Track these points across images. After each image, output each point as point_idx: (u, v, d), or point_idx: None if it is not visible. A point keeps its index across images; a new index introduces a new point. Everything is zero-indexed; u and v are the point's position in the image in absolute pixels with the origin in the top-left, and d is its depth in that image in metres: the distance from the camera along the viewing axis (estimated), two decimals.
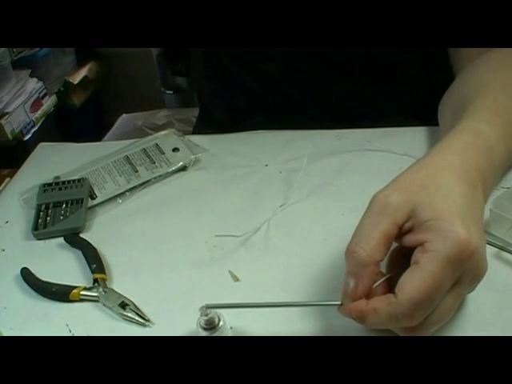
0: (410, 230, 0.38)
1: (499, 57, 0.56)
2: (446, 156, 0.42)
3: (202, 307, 0.40)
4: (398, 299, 0.36)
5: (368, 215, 0.39)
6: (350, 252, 0.38)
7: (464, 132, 0.45)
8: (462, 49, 0.61)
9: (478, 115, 0.48)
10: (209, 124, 0.84)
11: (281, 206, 0.56)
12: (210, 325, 0.41)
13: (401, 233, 0.39)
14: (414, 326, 0.37)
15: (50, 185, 0.62)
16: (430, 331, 0.38)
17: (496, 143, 0.45)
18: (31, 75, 1.46)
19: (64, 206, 0.59)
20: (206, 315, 0.41)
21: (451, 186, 0.39)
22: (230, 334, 0.43)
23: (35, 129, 1.47)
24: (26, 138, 1.43)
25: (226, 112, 0.80)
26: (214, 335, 0.41)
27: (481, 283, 0.42)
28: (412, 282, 0.36)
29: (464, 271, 0.36)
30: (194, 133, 0.85)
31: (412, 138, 0.63)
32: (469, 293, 0.40)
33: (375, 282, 0.38)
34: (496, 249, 0.47)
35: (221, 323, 0.41)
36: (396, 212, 0.38)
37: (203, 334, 0.41)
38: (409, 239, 0.38)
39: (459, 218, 0.37)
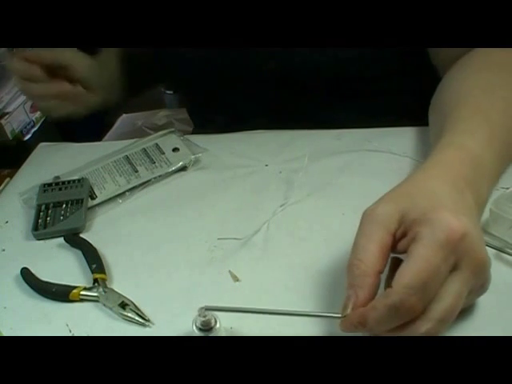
0: (403, 236, 0.39)
1: (481, 58, 0.56)
2: (431, 171, 0.43)
3: (201, 308, 0.40)
4: (393, 289, 0.36)
5: (361, 229, 0.40)
6: (350, 266, 0.39)
7: (449, 148, 0.45)
8: (443, 49, 0.61)
9: (460, 128, 0.48)
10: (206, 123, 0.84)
11: (281, 205, 0.56)
12: (206, 326, 0.41)
13: (395, 241, 0.39)
14: (421, 320, 0.36)
15: (49, 185, 0.62)
16: (442, 325, 0.37)
17: (481, 153, 0.45)
18: None
19: (64, 206, 0.59)
20: (204, 316, 0.40)
21: (437, 190, 0.40)
22: (225, 335, 0.43)
23: (35, 129, 1.47)
24: (26, 138, 1.43)
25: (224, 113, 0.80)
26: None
27: None
28: (405, 270, 0.36)
29: (459, 255, 0.36)
30: (194, 133, 0.85)
31: (412, 137, 0.63)
32: (482, 287, 0.39)
33: (375, 294, 0.38)
34: (496, 249, 0.47)
35: (217, 325, 0.41)
36: (386, 221, 0.39)
37: (197, 334, 0.41)
38: (403, 244, 0.39)
39: (446, 209, 0.37)
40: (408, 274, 0.36)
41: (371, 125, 0.65)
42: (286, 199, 0.57)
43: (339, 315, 0.39)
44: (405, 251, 0.38)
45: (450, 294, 0.36)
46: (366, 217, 0.40)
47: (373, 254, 0.38)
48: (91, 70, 0.70)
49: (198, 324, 0.41)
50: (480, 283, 0.39)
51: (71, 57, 0.68)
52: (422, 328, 0.36)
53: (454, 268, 0.37)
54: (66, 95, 0.68)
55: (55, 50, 0.67)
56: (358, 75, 0.67)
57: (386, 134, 0.64)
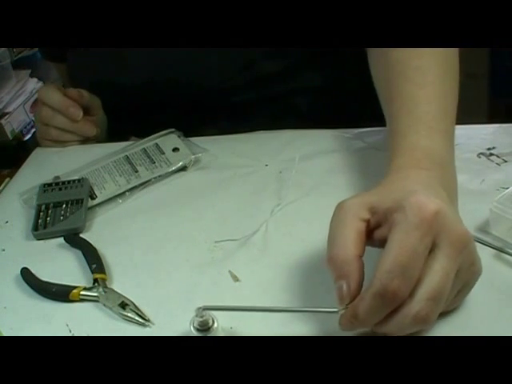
0: (377, 226, 0.40)
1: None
2: (399, 174, 0.44)
3: (199, 308, 0.40)
4: (375, 277, 0.36)
5: (332, 222, 0.41)
6: (329, 260, 0.39)
7: (406, 151, 0.47)
8: None
9: (407, 131, 0.48)
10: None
11: (278, 205, 0.56)
12: (204, 326, 0.41)
13: (370, 229, 0.40)
14: (409, 303, 0.36)
15: (49, 185, 0.62)
16: (433, 306, 0.36)
17: (436, 147, 0.46)
18: (31, 75, 1.46)
19: (64, 206, 0.59)
20: (201, 317, 0.40)
21: (407, 185, 0.41)
22: (223, 335, 0.43)
23: (35, 129, 1.47)
24: (26, 138, 1.43)
25: None
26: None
27: (481, 283, 0.42)
28: (384, 257, 0.36)
29: (436, 233, 0.37)
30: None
31: None
32: (472, 265, 0.39)
33: (363, 278, 0.38)
34: (496, 249, 0.47)
35: (214, 326, 0.41)
36: (356, 209, 0.40)
37: (194, 334, 0.41)
38: (381, 233, 0.39)
39: (417, 194, 0.38)
40: (387, 259, 0.36)
41: (367, 124, 0.66)
42: (285, 199, 0.57)
43: (335, 310, 0.39)
44: (385, 241, 0.38)
45: (435, 271, 0.36)
46: (337, 210, 0.41)
47: (349, 240, 0.39)
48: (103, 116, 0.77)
49: (196, 324, 0.41)
50: (467, 261, 0.38)
51: (97, 100, 0.75)
52: (412, 310, 0.36)
53: (434, 247, 0.37)
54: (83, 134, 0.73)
55: (83, 91, 0.72)
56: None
57: (384, 134, 0.64)
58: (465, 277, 0.39)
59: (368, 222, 0.40)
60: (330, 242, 0.40)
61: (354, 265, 0.38)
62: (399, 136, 0.49)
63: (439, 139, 0.47)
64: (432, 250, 0.37)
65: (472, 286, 0.41)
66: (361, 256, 0.39)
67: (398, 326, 0.37)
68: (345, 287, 0.38)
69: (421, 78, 0.52)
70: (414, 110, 0.49)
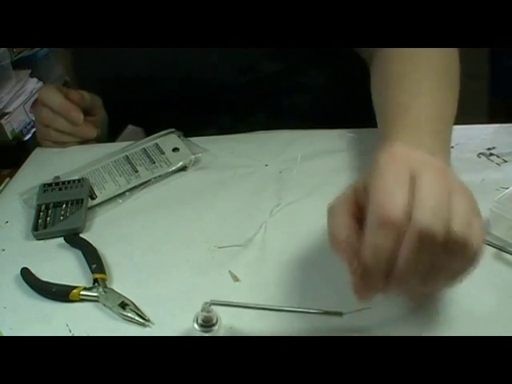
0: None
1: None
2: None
3: (206, 303, 0.41)
4: (367, 219, 0.36)
5: (328, 219, 0.41)
6: (337, 252, 0.39)
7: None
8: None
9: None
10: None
11: (277, 206, 0.56)
12: (208, 323, 0.41)
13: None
14: (409, 227, 0.35)
15: (49, 185, 0.62)
16: (435, 222, 0.35)
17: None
18: (31, 75, 1.46)
19: (64, 206, 0.59)
20: (208, 312, 0.41)
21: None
22: (224, 334, 0.43)
23: (35, 129, 1.47)
24: (26, 138, 1.43)
25: None
26: (207, 335, 0.41)
27: (480, 283, 0.42)
28: (368, 208, 0.37)
29: (410, 165, 0.37)
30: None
31: None
32: (465, 195, 0.38)
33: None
34: (496, 249, 0.47)
35: (217, 325, 0.41)
36: (346, 199, 0.40)
37: (197, 329, 0.41)
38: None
39: (387, 147, 0.39)
40: (373, 194, 0.37)
41: (367, 124, 0.66)
42: (285, 199, 0.57)
43: (340, 312, 0.39)
44: None
45: (424, 193, 0.36)
46: (329, 208, 0.41)
47: (348, 227, 0.39)
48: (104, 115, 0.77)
49: (200, 320, 0.41)
50: (458, 189, 0.38)
51: (99, 100, 0.75)
52: (416, 227, 0.35)
53: (415, 179, 0.37)
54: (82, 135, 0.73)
55: (85, 92, 0.72)
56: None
57: None
58: (464, 207, 0.37)
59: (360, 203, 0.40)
60: (330, 239, 0.40)
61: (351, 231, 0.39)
62: (387, 142, 0.47)
63: (429, 139, 0.46)
64: (414, 182, 0.36)
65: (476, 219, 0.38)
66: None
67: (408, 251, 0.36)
68: (355, 264, 0.38)
69: (416, 88, 0.52)
70: (404, 117, 0.49)
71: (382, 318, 0.43)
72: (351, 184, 0.41)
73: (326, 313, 0.42)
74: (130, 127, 0.79)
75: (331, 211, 0.41)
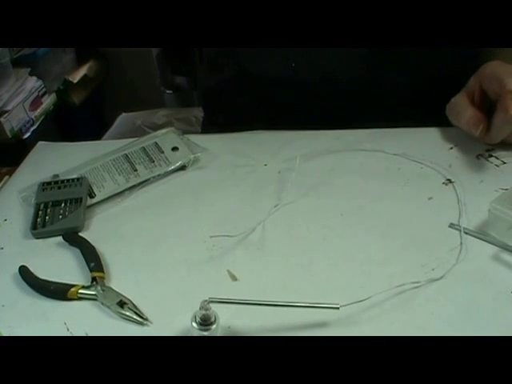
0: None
1: None
2: None
3: (204, 301, 0.41)
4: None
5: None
6: (464, 125, 0.59)
7: None
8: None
9: None
10: (211, 124, 0.84)
11: (275, 205, 0.56)
12: (206, 321, 0.41)
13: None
14: None
15: (48, 183, 0.62)
16: None
17: None
18: (31, 73, 1.46)
19: (63, 204, 0.59)
20: (206, 310, 0.41)
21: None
22: (221, 334, 0.43)
23: (34, 127, 1.47)
24: (26, 136, 1.43)
25: (225, 112, 0.80)
26: (204, 334, 0.41)
27: (480, 283, 0.42)
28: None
29: None
30: (203, 132, 0.86)
31: (407, 138, 0.64)
32: None
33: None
34: (495, 249, 0.47)
35: (215, 324, 0.41)
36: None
37: (195, 328, 0.41)
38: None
39: None
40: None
41: (367, 125, 0.66)
42: (284, 198, 0.57)
43: (337, 306, 0.40)
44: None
45: None
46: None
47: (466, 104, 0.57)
48: None
49: (199, 318, 0.41)
50: None
51: None
52: None
53: None
54: None
55: None
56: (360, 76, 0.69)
57: (387, 135, 0.65)
58: None
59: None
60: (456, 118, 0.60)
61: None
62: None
63: None
64: None
65: None
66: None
67: None
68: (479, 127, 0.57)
69: None
70: None
71: (378, 312, 0.43)
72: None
73: (323, 307, 0.42)
74: (124, 115, 0.77)
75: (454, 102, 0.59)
